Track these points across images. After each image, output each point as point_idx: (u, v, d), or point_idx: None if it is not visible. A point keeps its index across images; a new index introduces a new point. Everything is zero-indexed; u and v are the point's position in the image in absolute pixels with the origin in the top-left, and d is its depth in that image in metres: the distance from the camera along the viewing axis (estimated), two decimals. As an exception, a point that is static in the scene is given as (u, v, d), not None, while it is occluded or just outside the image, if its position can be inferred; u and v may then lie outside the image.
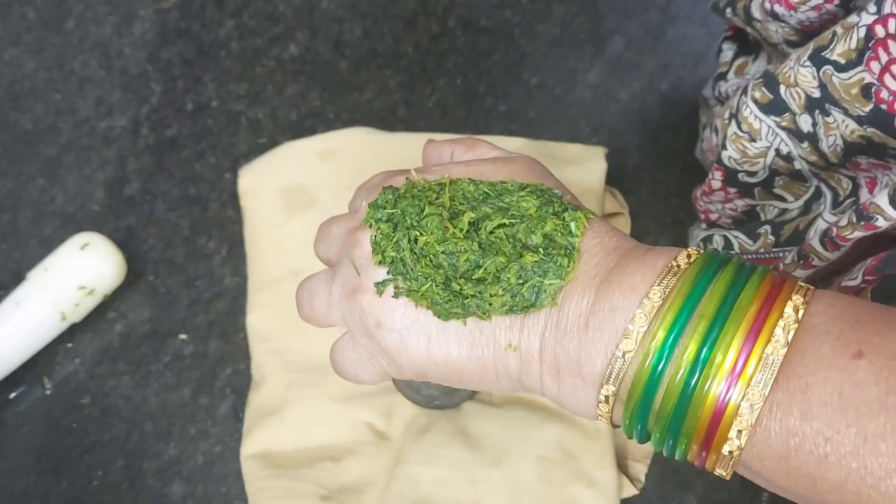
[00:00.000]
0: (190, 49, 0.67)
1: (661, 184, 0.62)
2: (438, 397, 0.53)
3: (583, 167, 0.59)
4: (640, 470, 0.52)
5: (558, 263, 0.32)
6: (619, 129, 0.64)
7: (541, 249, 0.33)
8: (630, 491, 0.52)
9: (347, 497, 0.51)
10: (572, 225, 0.33)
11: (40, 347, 0.56)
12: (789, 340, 0.29)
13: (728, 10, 0.50)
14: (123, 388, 0.56)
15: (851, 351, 0.28)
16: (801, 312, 0.29)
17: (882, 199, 0.38)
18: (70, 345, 0.57)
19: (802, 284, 0.31)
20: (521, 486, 0.50)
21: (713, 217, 0.53)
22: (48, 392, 0.56)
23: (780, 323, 0.29)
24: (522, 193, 0.34)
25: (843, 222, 0.40)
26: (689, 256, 0.32)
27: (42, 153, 0.63)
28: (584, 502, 0.50)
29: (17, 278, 0.57)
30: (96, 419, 0.55)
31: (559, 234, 0.33)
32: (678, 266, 0.31)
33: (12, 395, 0.56)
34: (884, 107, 0.39)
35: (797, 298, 0.30)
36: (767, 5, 0.45)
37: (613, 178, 0.60)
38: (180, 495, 0.53)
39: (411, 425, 0.53)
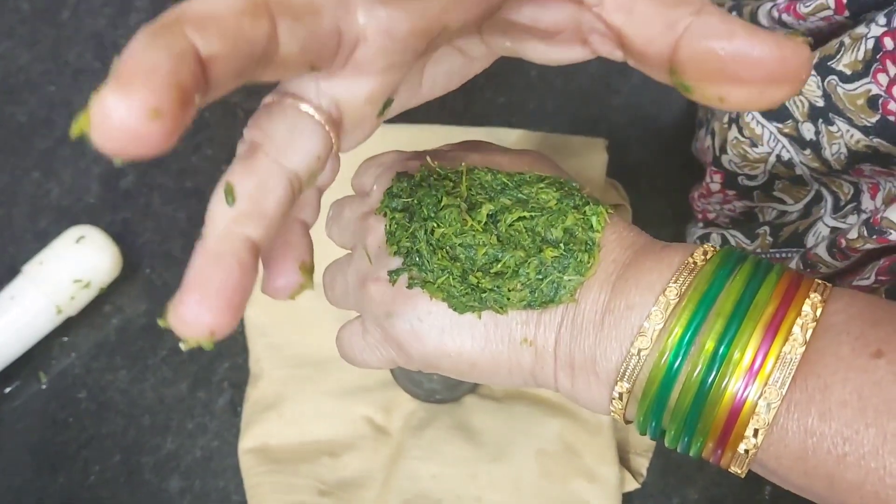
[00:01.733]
0: (186, 40, 0.66)
1: (661, 177, 0.61)
2: (440, 391, 0.52)
3: (583, 159, 0.58)
4: (642, 464, 0.52)
5: (578, 259, 0.32)
6: (619, 122, 0.63)
7: (561, 244, 0.32)
8: (632, 485, 0.51)
9: (346, 492, 0.51)
10: (594, 219, 0.33)
11: (36, 341, 0.55)
12: (807, 339, 0.28)
13: (733, 14, 0.50)
14: (120, 383, 0.56)
15: (871, 350, 0.28)
16: (819, 311, 0.29)
17: (894, 214, 0.37)
18: (66, 339, 0.57)
19: (820, 282, 0.30)
20: (522, 480, 0.50)
21: (711, 217, 0.52)
22: (44, 387, 0.56)
23: (798, 321, 0.28)
24: (542, 185, 0.34)
25: (853, 235, 0.39)
26: (705, 253, 0.31)
27: (37, 146, 0.63)
28: (586, 497, 0.50)
29: (11, 272, 0.56)
30: (93, 414, 0.55)
31: (580, 229, 0.32)
32: (695, 263, 0.31)
33: (7, 390, 0.56)
34: (891, 118, 0.38)
35: (815, 297, 0.29)
36: (775, 13, 0.45)
37: (614, 171, 0.60)
38: (178, 490, 0.53)
39: (411, 420, 0.52)
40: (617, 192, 0.59)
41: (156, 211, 0.61)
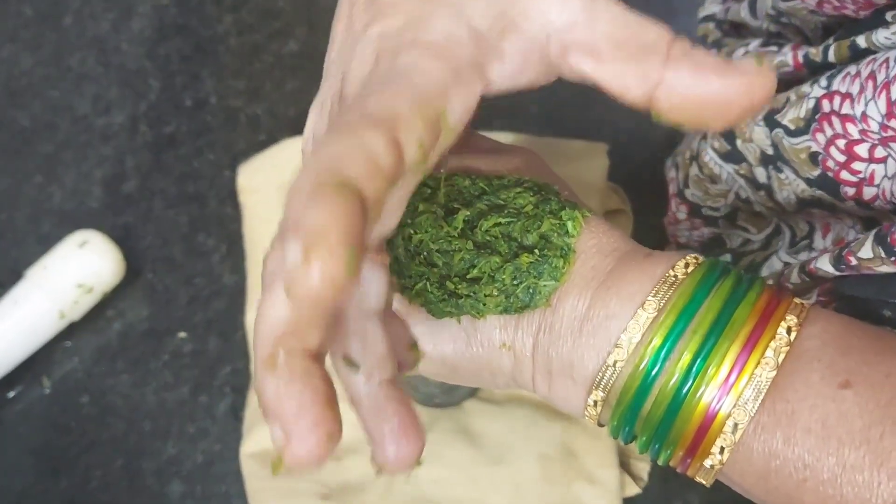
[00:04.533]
0: (188, 45, 0.67)
1: (662, 181, 0.61)
2: (438, 395, 0.52)
3: (584, 163, 0.58)
4: (643, 468, 0.52)
5: (553, 265, 0.32)
6: (621, 126, 0.63)
7: (536, 250, 0.32)
8: (633, 489, 0.51)
9: (348, 495, 0.51)
10: (569, 224, 0.33)
11: (39, 346, 0.55)
12: (779, 363, 0.29)
13: (713, 51, 0.51)
14: (122, 387, 0.56)
15: (840, 380, 0.28)
16: (793, 335, 0.29)
17: (825, 264, 0.38)
18: (69, 343, 0.57)
19: (798, 302, 0.31)
20: (523, 484, 0.50)
21: (682, 241, 0.53)
22: (47, 391, 0.56)
23: (773, 345, 0.29)
24: (519, 189, 0.34)
25: (796, 280, 0.41)
26: (687, 266, 0.31)
27: (40, 150, 0.63)
28: (587, 500, 0.50)
29: (15, 276, 0.57)
30: (95, 418, 0.55)
31: (555, 235, 0.32)
32: (675, 276, 0.31)
33: (11, 395, 0.56)
34: (830, 174, 0.39)
35: (791, 319, 0.29)
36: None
37: (615, 175, 0.60)
38: (179, 494, 0.53)
39: (412, 424, 0.52)
40: (618, 197, 0.59)
41: (158, 215, 0.61)
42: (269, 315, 0.22)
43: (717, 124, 0.25)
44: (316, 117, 0.30)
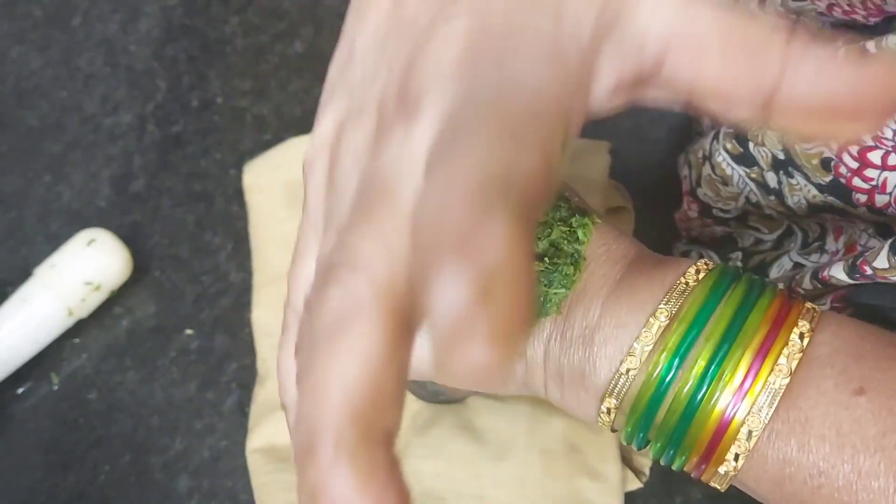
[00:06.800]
0: (195, 46, 0.67)
1: (664, 178, 0.62)
2: (443, 392, 0.53)
3: (586, 162, 0.59)
4: (645, 463, 0.52)
5: (564, 273, 0.32)
6: (622, 124, 0.63)
7: (546, 258, 0.32)
8: (634, 484, 0.52)
9: (353, 491, 0.51)
10: (579, 232, 0.33)
11: (47, 343, 0.56)
12: (792, 370, 0.29)
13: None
14: (130, 383, 0.56)
15: (853, 387, 0.28)
16: (805, 341, 0.29)
17: (839, 272, 0.38)
18: (77, 340, 0.58)
19: (809, 307, 0.31)
20: (526, 479, 0.50)
21: (694, 234, 0.53)
22: (55, 387, 0.57)
23: (785, 351, 0.29)
24: None
25: (808, 286, 0.41)
26: (698, 272, 0.31)
27: (48, 150, 0.64)
28: (589, 495, 0.50)
29: (23, 275, 0.57)
30: (103, 414, 0.56)
31: (565, 242, 0.32)
32: (686, 283, 0.31)
33: (20, 391, 0.56)
34: (842, 180, 0.39)
35: (803, 325, 0.30)
36: None
37: (617, 173, 0.60)
38: (186, 489, 0.54)
39: (416, 419, 0.53)
40: (620, 195, 0.59)
41: (165, 214, 0.61)
42: (336, 375, 0.16)
43: (847, 134, 0.20)
44: (338, 115, 0.26)
